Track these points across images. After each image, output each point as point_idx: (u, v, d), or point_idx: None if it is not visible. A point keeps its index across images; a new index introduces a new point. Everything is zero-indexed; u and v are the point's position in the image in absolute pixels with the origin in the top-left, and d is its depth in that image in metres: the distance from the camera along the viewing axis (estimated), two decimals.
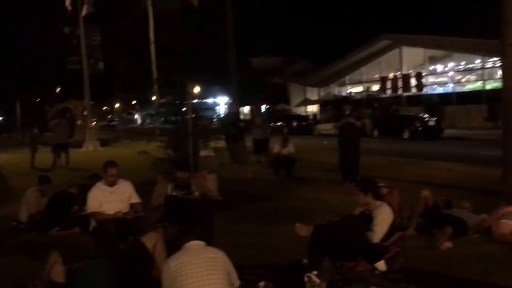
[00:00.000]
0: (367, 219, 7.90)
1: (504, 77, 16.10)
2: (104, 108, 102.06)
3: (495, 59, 47.41)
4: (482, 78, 52.25)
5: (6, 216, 14.19)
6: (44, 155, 28.57)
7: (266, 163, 22.12)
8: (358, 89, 68.53)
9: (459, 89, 54.12)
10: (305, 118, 66.71)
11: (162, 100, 18.84)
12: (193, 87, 17.09)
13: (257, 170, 21.02)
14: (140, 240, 7.77)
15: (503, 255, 9.10)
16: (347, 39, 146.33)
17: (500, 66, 20.71)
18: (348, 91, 68.91)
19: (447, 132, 41.65)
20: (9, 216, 13.85)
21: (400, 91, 58.04)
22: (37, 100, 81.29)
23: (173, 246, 6.89)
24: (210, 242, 7.94)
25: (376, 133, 44.34)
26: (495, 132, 27.83)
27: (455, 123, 48.33)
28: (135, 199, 9.96)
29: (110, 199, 9.60)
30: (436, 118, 43.04)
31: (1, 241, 11.91)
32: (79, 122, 49.05)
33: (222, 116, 31.76)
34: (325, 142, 33.07)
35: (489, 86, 50.75)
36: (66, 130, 29.23)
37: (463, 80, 55.22)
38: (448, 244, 9.42)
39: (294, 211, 13.42)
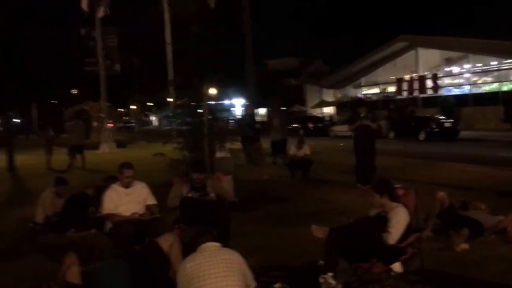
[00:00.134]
0: (383, 221, 7.87)
1: None
2: (121, 110, 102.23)
3: (511, 60, 47.27)
4: (498, 79, 52.06)
5: (23, 217, 14.25)
6: (60, 157, 28.68)
7: (282, 165, 22.11)
8: (374, 90, 68.39)
9: (475, 90, 53.93)
10: (321, 119, 66.67)
11: (179, 102, 18.84)
12: (209, 88, 17.09)
13: (273, 172, 21.00)
14: (156, 242, 7.77)
15: None
16: (363, 41, 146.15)
17: None
18: (364, 93, 68.73)
19: (464, 133, 41.52)
20: (25, 218, 13.91)
21: (416, 93, 57.89)
22: (54, 102, 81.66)
23: (189, 248, 6.89)
24: (225, 244, 7.95)
25: (392, 134, 44.22)
26: None
27: (472, 125, 48.17)
28: (151, 200, 9.96)
29: (126, 200, 9.61)
30: (452, 120, 42.93)
31: (17, 243, 11.96)
32: (95, 123, 49.17)
33: (238, 117, 31.78)
34: (341, 144, 33.04)
35: (506, 87, 50.61)
36: (82, 132, 29.33)
37: (480, 81, 55.01)
38: (464, 246, 9.40)
39: (309, 212, 13.42)
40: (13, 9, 46.10)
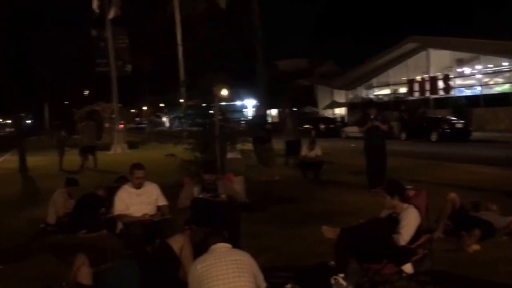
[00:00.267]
0: (393, 222, 7.86)
1: None
2: (132, 110, 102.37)
3: None
4: (510, 80, 51.87)
5: (34, 218, 14.31)
6: (72, 158, 28.80)
7: (293, 166, 22.10)
8: (386, 91, 68.25)
9: (487, 91, 53.75)
10: (332, 120, 66.65)
11: (189, 103, 18.85)
12: (220, 89, 17.09)
13: (285, 173, 20.99)
14: (167, 243, 7.77)
15: None
16: (374, 42, 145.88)
17: None
18: (376, 94, 68.65)
19: (475, 134, 41.40)
20: (37, 218, 13.97)
21: (427, 94, 57.75)
22: (66, 103, 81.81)
23: (199, 249, 6.89)
24: (236, 244, 7.96)
25: (403, 135, 44.16)
26: None
27: (483, 126, 48.04)
28: (162, 201, 9.97)
29: (137, 201, 9.62)
30: (463, 121, 42.85)
31: (29, 243, 12.01)
32: (106, 124, 49.27)
33: (249, 118, 31.78)
34: (353, 145, 33.00)
35: None
36: (94, 133, 29.42)
37: (491, 82, 54.85)
38: (475, 247, 9.37)
39: (321, 213, 13.42)
40: (23, 10, 46.07)
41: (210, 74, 15.67)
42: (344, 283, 7.21)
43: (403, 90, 64.01)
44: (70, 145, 32.75)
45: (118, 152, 40.30)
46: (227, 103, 21.34)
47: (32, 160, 31.56)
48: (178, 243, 7.69)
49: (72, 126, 36.40)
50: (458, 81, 57.10)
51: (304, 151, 20.24)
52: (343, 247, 7.63)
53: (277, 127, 27.71)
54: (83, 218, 12.06)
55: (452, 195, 10.64)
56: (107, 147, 41.10)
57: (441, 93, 56.06)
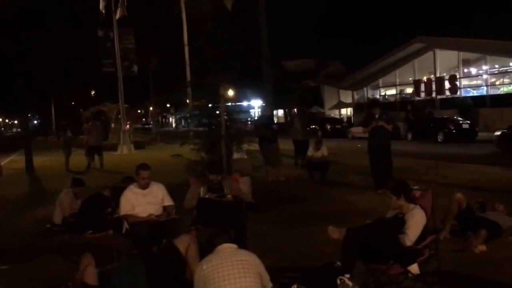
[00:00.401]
0: (400, 222, 7.85)
1: None
2: (139, 111, 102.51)
3: None
4: None
5: (41, 218, 14.36)
6: (79, 158, 28.88)
7: (300, 166, 22.10)
8: (392, 92, 68.17)
9: (493, 91, 53.62)
10: (339, 121, 66.66)
11: (196, 103, 18.85)
12: (226, 89, 17.08)
13: (291, 173, 20.98)
14: (173, 243, 7.77)
15: None
16: (380, 42, 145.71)
17: None
18: (382, 94, 68.55)
19: (481, 135, 41.25)
20: (43, 218, 14.01)
21: (434, 94, 57.65)
22: (72, 103, 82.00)
23: (205, 249, 6.89)
24: (243, 245, 7.95)
25: (410, 136, 44.06)
26: None
27: (489, 126, 47.87)
28: (168, 201, 9.98)
29: (143, 201, 9.62)
30: (470, 121, 42.77)
31: (35, 243, 12.02)
32: (113, 125, 49.35)
33: (255, 119, 31.76)
34: (359, 145, 32.94)
35: None
36: (100, 133, 29.46)
37: (497, 83, 54.73)
38: (482, 247, 9.35)
39: (327, 213, 13.40)
40: (30, 10, 46.23)
41: (217, 74, 15.67)
42: (350, 283, 7.19)
43: (409, 90, 63.93)
44: (77, 145, 32.82)
45: (124, 153, 40.37)
46: (233, 104, 21.28)
47: (39, 160, 31.64)
48: (184, 243, 7.68)
49: (78, 127, 36.40)
50: (465, 82, 56.99)
51: (310, 151, 20.23)
52: (349, 248, 7.63)
53: (282, 127, 27.70)
54: (89, 218, 12.08)
55: (459, 195, 10.61)
56: (113, 148, 41.21)
57: (448, 93, 55.96)
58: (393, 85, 67.26)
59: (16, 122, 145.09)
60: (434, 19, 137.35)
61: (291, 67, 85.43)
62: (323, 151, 20.03)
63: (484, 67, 54.34)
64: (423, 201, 8.16)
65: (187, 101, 23.89)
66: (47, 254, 10.83)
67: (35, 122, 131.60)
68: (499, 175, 19.25)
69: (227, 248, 6.39)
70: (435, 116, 47.22)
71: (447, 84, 55.83)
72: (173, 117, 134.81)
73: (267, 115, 22.53)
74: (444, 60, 57.08)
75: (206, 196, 10.32)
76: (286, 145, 24.68)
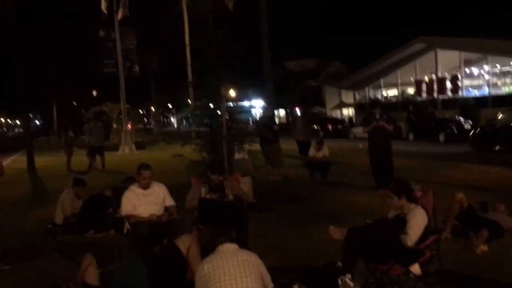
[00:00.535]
0: (401, 222, 7.84)
1: None
2: (140, 111, 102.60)
3: None
4: None
5: (42, 218, 14.37)
6: (81, 158, 28.91)
7: (301, 166, 22.10)
8: (394, 92, 68.09)
9: (495, 92, 53.50)
10: (340, 121, 66.65)
11: (197, 103, 18.85)
12: (228, 89, 17.09)
13: (292, 173, 20.96)
14: (174, 243, 7.78)
15: None
16: (382, 42, 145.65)
17: None
18: (384, 94, 68.49)
19: None
20: (45, 218, 14.02)
21: (435, 94, 57.56)
22: (74, 104, 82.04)
23: (207, 249, 6.89)
24: (244, 245, 7.96)
25: (411, 136, 44.03)
26: None
27: None
28: (169, 201, 10.00)
29: (144, 201, 9.63)
30: (472, 121, 42.72)
31: (36, 243, 12.03)
32: (114, 125, 49.39)
33: (257, 119, 31.77)
34: (361, 146, 32.91)
35: None
36: (102, 133, 29.47)
37: (499, 83, 54.63)
38: (483, 247, 9.35)
39: (328, 213, 13.40)
40: (32, 10, 46.31)
41: (218, 74, 15.67)
42: (351, 283, 7.20)
43: (411, 90, 63.83)
44: (78, 145, 32.86)
45: (126, 153, 40.41)
46: (234, 104, 21.31)
47: (41, 160, 31.66)
48: (186, 243, 7.69)
49: (79, 127, 36.42)
50: (466, 82, 56.87)
51: (311, 151, 20.17)
52: (350, 248, 7.63)
53: (283, 127, 27.67)
54: (91, 218, 12.08)
55: (460, 195, 10.61)
56: (115, 148, 41.25)
57: (449, 93, 55.84)
58: (395, 85, 67.14)
59: (18, 122, 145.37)
60: (435, 19, 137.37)
61: (292, 67, 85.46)
62: (325, 151, 20.00)
63: (486, 67, 54.20)
64: (425, 201, 8.17)
65: (189, 101, 23.88)
66: (48, 254, 10.84)
67: (37, 122, 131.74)
68: (501, 175, 19.24)
69: (228, 248, 6.40)
70: (437, 116, 47.21)
71: (448, 84, 55.72)
72: (174, 117, 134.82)
73: (268, 115, 22.50)
74: (446, 60, 56.98)
75: (208, 196, 10.33)
76: (287, 145, 24.67)
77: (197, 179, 11.40)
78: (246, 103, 79.88)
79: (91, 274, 7.10)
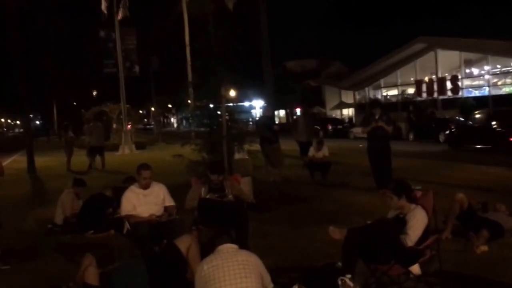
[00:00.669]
0: (401, 223, 7.84)
1: None
2: (140, 111, 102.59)
3: None
4: None
5: (42, 218, 14.39)
6: (81, 158, 28.92)
7: (301, 166, 22.08)
8: (394, 92, 68.12)
9: (495, 92, 53.52)
10: (340, 121, 66.72)
11: (197, 103, 18.83)
12: (228, 90, 17.07)
13: (292, 173, 20.95)
14: (174, 243, 7.77)
15: None
16: (382, 42, 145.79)
17: None
18: (384, 94, 68.51)
19: None
20: (45, 218, 14.04)
21: (435, 94, 57.58)
22: (74, 104, 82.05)
23: (206, 249, 6.90)
24: (244, 245, 7.95)
25: (411, 136, 44.03)
26: None
27: None
28: (169, 201, 9.99)
29: (144, 201, 9.63)
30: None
31: (36, 243, 12.03)
32: (114, 125, 49.42)
33: (256, 119, 31.73)
34: (361, 145, 32.91)
35: None
36: (102, 133, 29.47)
37: (500, 83, 54.66)
38: (484, 248, 9.35)
39: (327, 213, 13.41)
40: (31, 10, 46.22)
41: (218, 74, 15.66)
42: (351, 284, 7.19)
43: (411, 90, 63.85)
44: (78, 145, 32.87)
45: (126, 153, 40.42)
46: (234, 104, 21.27)
47: (41, 160, 31.68)
48: (185, 243, 7.69)
49: (80, 127, 36.43)
50: (466, 82, 56.93)
51: (311, 151, 20.14)
52: (350, 248, 7.62)
53: (284, 127, 27.62)
54: (91, 218, 12.06)
55: (460, 195, 10.60)
56: (115, 148, 41.26)
57: (449, 93, 55.88)
58: (395, 85, 67.23)
59: (18, 122, 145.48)
60: (435, 19, 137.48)
61: (292, 67, 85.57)
62: (324, 151, 19.99)
63: (486, 68, 54.28)
64: (425, 201, 8.16)
65: (189, 101, 23.86)
66: (48, 254, 10.86)
67: (37, 122, 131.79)
68: (501, 175, 19.24)
69: (228, 248, 6.40)
70: (437, 117, 47.21)
71: (448, 85, 55.76)
72: (174, 117, 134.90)
73: (268, 116, 22.47)
74: (446, 60, 57.04)
75: (207, 197, 10.34)
76: (288, 145, 24.66)
77: (197, 179, 11.40)
78: (246, 103, 79.94)
79: (91, 274, 7.11)
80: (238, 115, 18.26)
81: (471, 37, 53.16)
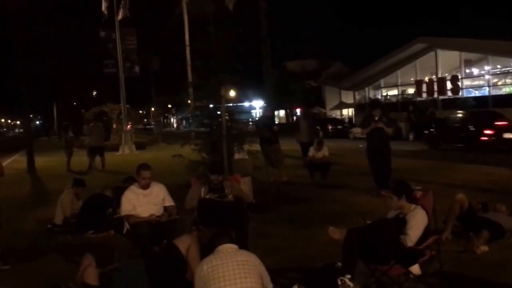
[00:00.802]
0: (401, 223, 7.84)
1: None
2: (140, 111, 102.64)
3: None
4: None
5: (42, 218, 14.39)
6: (81, 158, 28.92)
7: (301, 166, 22.07)
8: (394, 92, 68.07)
9: (496, 92, 53.48)
10: (340, 121, 66.74)
11: (197, 104, 18.82)
12: (228, 90, 17.05)
13: (292, 173, 20.94)
14: (174, 243, 7.77)
15: None
16: (382, 42, 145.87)
17: None
18: (384, 94, 68.46)
19: None
20: (44, 219, 14.04)
21: (435, 95, 57.53)
22: (74, 104, 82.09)
23: (206, 249, 6.89)
24: (244, 245, 7.94)
25: (411, 136, 44.05)
26: None
27: None
28: (169, 202, 9.98)
29: (144, 202, 9.62)
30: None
31: (36, 243, 12.03)
32: (114, 125, 49.46)
33: (256, 119, 31.72)
34: (360, 146, 32.92)
35: None
36: (102, 134, 29.46)
37: (500, 83, 54.61)
38: (484, 248, 9.34)
39: (327, 214, 13.42)
40: (31, 10, 46.22)
41: (218, 74, 15.65)
42: (351, 284, 7.18)
43: (411, 91, 63.80)
44: (78, 146, 32.87)
45: (126, 153, 40.46)
46: (234, 104, 21.26)
47: (41, 160, 31.71)
48: (185, 243, 7.68)
49: (80, 127, 36.48)
50: (467, 82, 56.87)
51: (311, 151, 20.10)
52: (350, 248, 7.62)
53: (286, 127, 27.62)
54: (90, 218, 12.07)
55: (460, 195, 10.60)
56: (115, 148, 41.28)
57: (450, 94, 55.82)
58: (395, 85, 67.16)
59: (18, 122, 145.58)
60: (435, 19, 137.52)
61: (293, 67, 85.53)
62: (324, 151, 19.97)
63: (486, 68, 54.21)
64: (425, 201, 8.15)
65: (189, 101, 23.85)
66: (48, 254, 10.84)
67: (37, 122, 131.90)
68: (501, 176, 19.23)
69: (228, 248, 6.40)
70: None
71: (449, 85, 55.68)
72: (174, 117, 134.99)
73: (268, 116, 22.46)
74: (446, 60, 56.98)
75: (207, 197, 10.34)
76: (288, 146, 24.66)
77: (197, 179, 11.40)
78: (246, 104, 79.97)
79: (91, 274, 7.10)
80: (238, 115, 18.24)
81: (471, 37, 53.08)
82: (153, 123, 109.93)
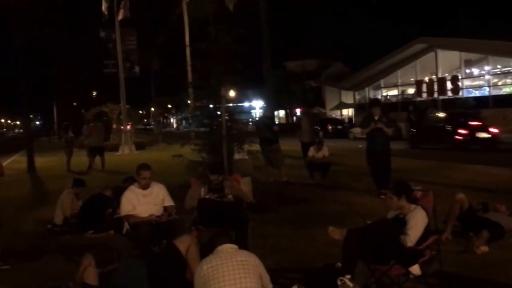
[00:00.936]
0: (401, 223, 7.83)
1: None
2: (140, 111, 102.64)
3: None
4: None
5: (42, 218, 14.39)
6: (80, 158, 28.92)
7: (301, 167, 22.06)
8: (394, 92, 68.04)
9: (496, 92, 53.46)
10: (340, 121, 66.73)
11: (197, 104, 18.82)
12: (228, 90, 17.05)
13: (292, 173, 20.93)
14: (173, 243, 7.76)
15: None
16: (382, 42, 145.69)
17: None
18: (384, 94, 68.43)
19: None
20: (44, 219, 14.04)
21: (435, 95, 57.51)
22: (74, 104, 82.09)
23: (206, 249, 6.89)
24: (244, 245, 7.94)
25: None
26: None
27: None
28: (169, 202, 9.98)
29: (144, 202, 9.62)
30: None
31: (36, 243, 12.02)
32: (114, 125, 49.46)
33: (256, 119, 31.72)
34: (360, 146, 32.91)
35: None
36: (102, 134, 29.46)
37: (500, 83, 54.59)
38: (484, 248, 9.34)
39: (327, 214, 13.40)
40: (31, 11, 46.20)
41: (218, 75, 15.65)
42: (351, 284, 7.17)
43: (411, 91, 63.78)
44: (78, 146, 32.88)
45: (125, 153, 40.46)
46: (234, 104, 21.26)
47: (40, 161, 31.71)
48: (185, 243, 7.67)
49: (80, 127, 36.49)
50: (467, 82, 56.86)
51: (311, 151, 20.12)
52: (350, 248, 7.61)
53: (286, 127, 27.62)
54: (90, 218, 12.08)
55: (460, 195, 10.59)
56: (115, 148, 41.27)
57: (450, 94, 55.80)
58: (395, 85, 67.15)
59: (18, 123, 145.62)
60: (435, 19, 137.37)
61: (293, 68, 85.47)
62: (324, 151, 19.98)
63: (486, 68, 54.20)
64: (425, 201, 8.15)
65: (189, 101, 23.85)
66: (48, 254, 10.83)
67: (37, 123, 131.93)
68: (501, 176, 19.22)
69: (228, 248, 6.39)
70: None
71: (449, 85, 55.68)
72: (174, 117, 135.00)
73: (268, 116, 22.46)
74: (446, 60, 56.98)
75: (207, 197, 10.33)
76: (288, 146, 24.64)
77: (196, 179, 11.40)
78: (246, 104, 79.97)
79: (91, 274, 7.09)
80: (238, 115, 18.24)
81: (471, 37, 53.07)
82: (153, 123, 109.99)
